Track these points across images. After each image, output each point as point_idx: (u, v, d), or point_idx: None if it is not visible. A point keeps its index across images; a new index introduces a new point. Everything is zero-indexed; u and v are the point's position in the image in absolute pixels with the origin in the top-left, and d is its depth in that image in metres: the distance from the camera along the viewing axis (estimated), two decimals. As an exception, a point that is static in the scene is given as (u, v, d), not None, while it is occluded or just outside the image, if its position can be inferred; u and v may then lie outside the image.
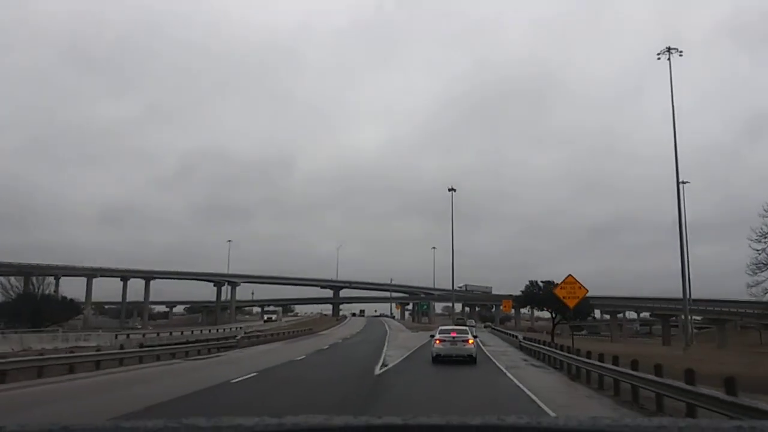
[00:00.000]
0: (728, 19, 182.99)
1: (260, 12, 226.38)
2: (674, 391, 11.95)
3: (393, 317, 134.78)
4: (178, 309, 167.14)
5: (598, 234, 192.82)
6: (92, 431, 1.47)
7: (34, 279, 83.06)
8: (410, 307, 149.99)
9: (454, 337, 26.70)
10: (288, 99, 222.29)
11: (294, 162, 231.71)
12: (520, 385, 18.77)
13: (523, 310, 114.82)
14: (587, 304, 73.23)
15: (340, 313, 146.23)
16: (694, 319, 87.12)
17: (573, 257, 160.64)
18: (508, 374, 22.59)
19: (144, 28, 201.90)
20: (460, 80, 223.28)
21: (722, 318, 77.05)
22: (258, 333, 53.39)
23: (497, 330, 72.62)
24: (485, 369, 25.21)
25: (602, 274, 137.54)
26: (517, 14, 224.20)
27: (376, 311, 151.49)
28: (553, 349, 27.20)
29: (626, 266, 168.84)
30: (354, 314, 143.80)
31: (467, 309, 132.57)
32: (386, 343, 43.85)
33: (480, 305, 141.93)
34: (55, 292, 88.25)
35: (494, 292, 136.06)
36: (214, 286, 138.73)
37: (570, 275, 30.61)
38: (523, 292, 72.80)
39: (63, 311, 76.91)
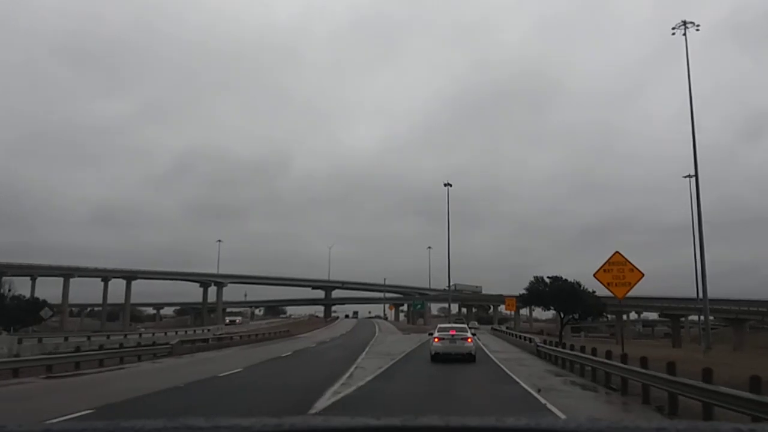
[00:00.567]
0: (728, 18, 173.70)
1: (256, 10, 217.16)
2: None
3: (386, 318, 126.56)
4: (168, 311, 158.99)
5: (594, 234, 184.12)
6: (91, 431, 1.39)
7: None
8: (405, 308, 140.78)
9: (453, 335, 25.44)
10: (284, 98, 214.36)
11: (290, 161, 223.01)
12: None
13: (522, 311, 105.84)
14: (601, 302, 64.41)
15: (334, 314, 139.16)
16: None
17: (570, 257, 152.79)
18: (548, 405, 12.76)
19: (139, 26, 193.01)
20: (458, 79, 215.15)
21: (740, 318, 70.87)
22: (225, 336, 43.92)
23: (501, 332, 62.55)
24: (506, 392, 15.47)
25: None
26: (516, 14, 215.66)
27: (370, 312, 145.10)
28: (602, 359, 17.38)
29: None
30: (347, 316, 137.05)
31: (464, 310, 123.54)
32: (366, 349, 34.40)
33: (477, 306, 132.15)
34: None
35: (484, 291, 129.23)
36: (200, 286, 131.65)
37: (617, 253, 20.93)
38: (527, 289, 63.57)
39: (31, 313, 70.46)
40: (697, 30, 44.09)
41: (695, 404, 10.96)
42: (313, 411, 11.28)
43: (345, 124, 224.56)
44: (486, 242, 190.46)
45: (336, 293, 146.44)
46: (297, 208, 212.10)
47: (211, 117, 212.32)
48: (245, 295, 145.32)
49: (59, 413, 10.43)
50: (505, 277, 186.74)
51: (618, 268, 20.47)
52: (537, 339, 30.52)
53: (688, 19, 42.96)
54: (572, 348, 24.76)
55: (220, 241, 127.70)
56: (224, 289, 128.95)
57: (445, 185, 74.85)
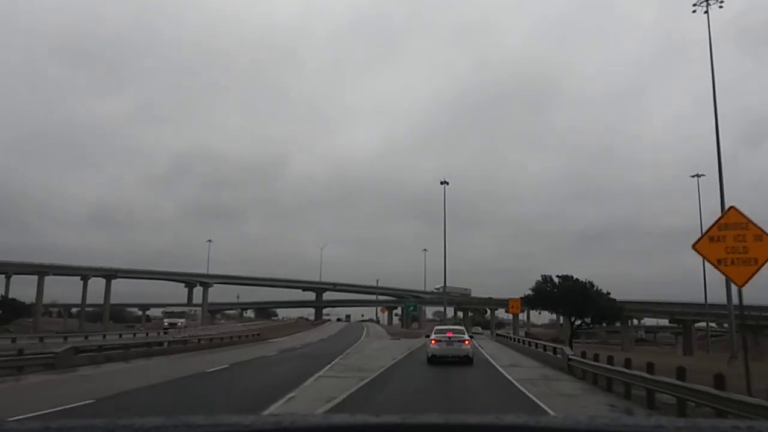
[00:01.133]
0: (732, 21, 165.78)
1: (256, 10, 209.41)
2: None
3: (377, 322, 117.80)
4: (155, 312, 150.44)
5: (594, 237, 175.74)
6: (89, 429, 1.36)
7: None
8: (399, 311, 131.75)
9: (450, 337, 24.53)
10: (284, 98, 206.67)
11: (287, 162, 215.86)
12: None
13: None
14: (617, 305, 55.61)
15: (326, 317, 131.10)
16: (711, 326, 77.59)
17: (568, 261, 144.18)
18: None
19: (139, 26, 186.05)
20: (458, 80, 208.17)
21: (761, 324, 63.10)
22: (155, 342, 34.74)
23: (507, 338, 52.95)
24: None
25: (600, 278, 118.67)
26: (517, 15, 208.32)
27: (363, 315, 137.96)
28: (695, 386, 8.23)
29: (625, 270, 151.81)
30: (339, 319, 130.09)
31: (460, 313, 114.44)
32: (335, 360, 25.69)
33: (472, 309, 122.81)
34: None
35: (473, 294, 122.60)
36: (185, 287, 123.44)
37: (733, 208, 11.97)
38: (533, 289, 54.79)
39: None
40: (721, 7, 39.28)
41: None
42: None
43: (344, 124, 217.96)
44: (483, 244, 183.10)
45: (328, 295, 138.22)
46: (295, 210, 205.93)
47: (210, 117, 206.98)
48: (238, 297, 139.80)
49: None
50: (496, 280, 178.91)
51: (735, 235, 11.42)
52: (567, 351, 21.27)
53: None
54: (628, 365, 15.89)
55: (210, 241, 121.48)
56: (212, 290, 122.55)
57: (442, 183, 69.06)
